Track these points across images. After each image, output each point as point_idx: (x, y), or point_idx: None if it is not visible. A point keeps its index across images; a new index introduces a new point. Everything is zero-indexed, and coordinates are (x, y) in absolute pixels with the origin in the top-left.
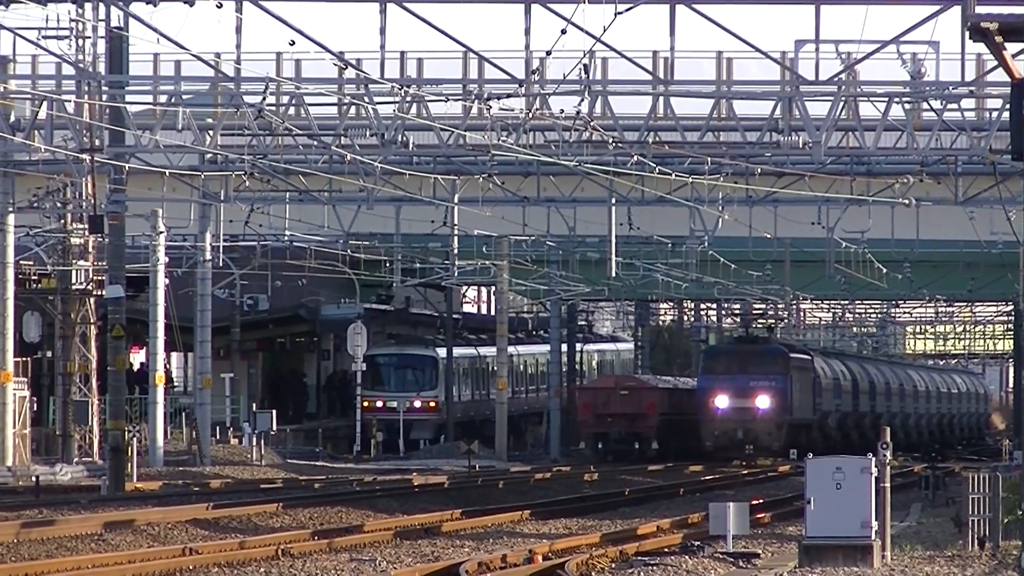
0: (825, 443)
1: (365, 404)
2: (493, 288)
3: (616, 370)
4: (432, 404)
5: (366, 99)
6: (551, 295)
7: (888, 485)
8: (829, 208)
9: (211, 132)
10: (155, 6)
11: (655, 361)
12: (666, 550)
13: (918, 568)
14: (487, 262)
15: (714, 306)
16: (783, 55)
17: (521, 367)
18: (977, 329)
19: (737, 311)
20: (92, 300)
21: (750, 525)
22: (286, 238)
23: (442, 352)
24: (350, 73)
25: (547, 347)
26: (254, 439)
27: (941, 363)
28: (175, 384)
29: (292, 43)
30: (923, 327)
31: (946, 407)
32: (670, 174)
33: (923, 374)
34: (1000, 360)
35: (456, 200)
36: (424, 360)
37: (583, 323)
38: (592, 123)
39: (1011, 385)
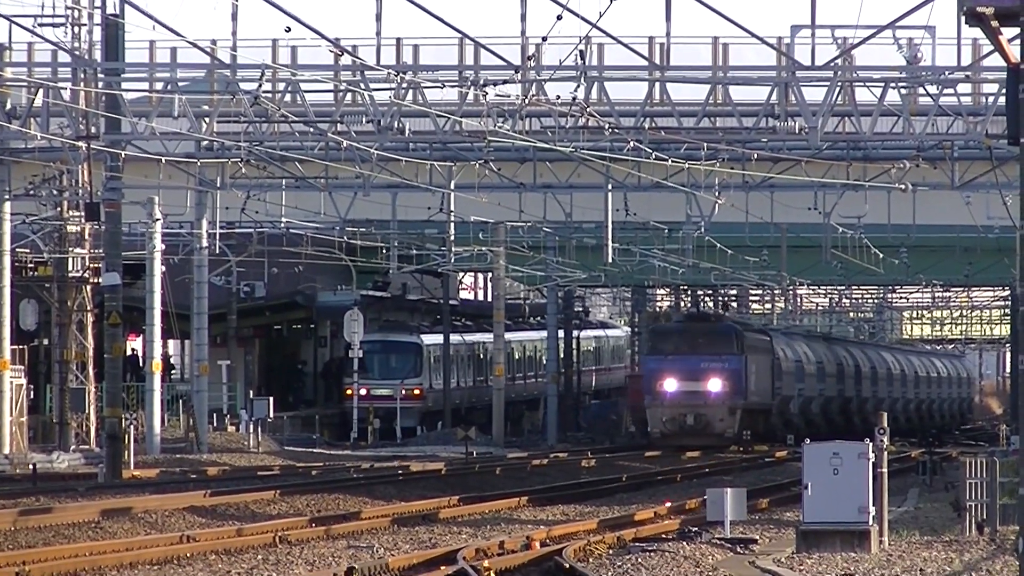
0: (786, 430)
1: (348, 392)
2: (490, 274)
3: (608, 356)
4: (416, 392)
5: (362, 86)
6: (548, 281)
7: (885, 470)
8: (825, 193)
9: (207, 119)
10: None
11: None
12: (664, 536)
13: (916, 553)
14: (483, 248)
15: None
16: (779, 40)
17: (516, 353)
18: (974, 314)
19: (734, 296)
20: (89, 288)
21: (748, 511)
22: (282, 225)
23: (427, 339)
24: (346, 60)
25: (542, 333)
26: (251, 426)
27: (930, 347)
28: (173, 369)
29: (288, 30)
30: (920, 312)
31: (925, 392)
32: (666, 160)
33: (900, 357)
34: (997, 345)
35: (452, 186)
36: (408, 347)
37: (579, 309)
38: (588, 109)
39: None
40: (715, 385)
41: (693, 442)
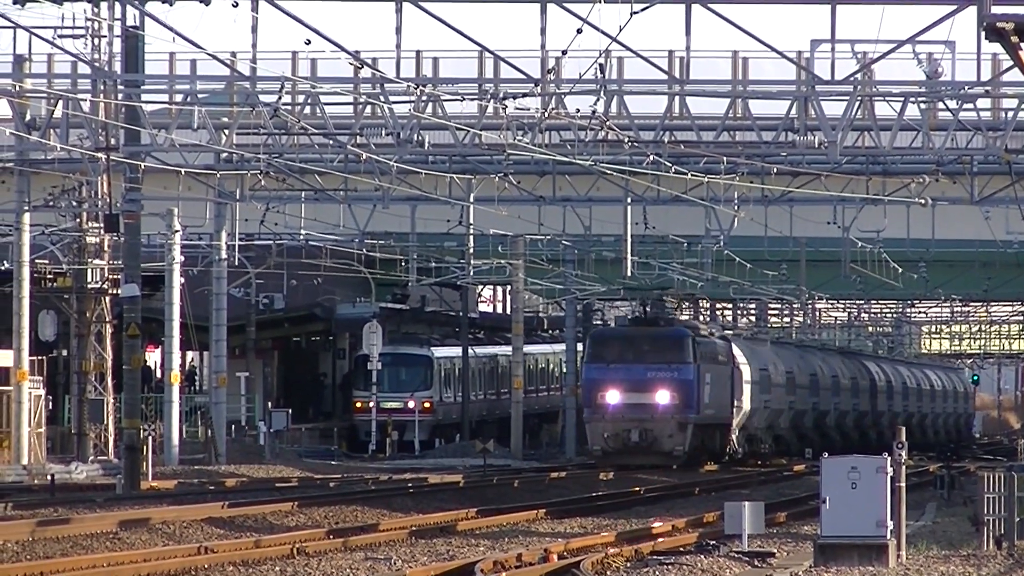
0: (749, 447)
1: (358, 405)
2: (508, 287)
3: None
4: (426, 405)
5: (382, 98)
6: (567, 294)
7: (903, 484)
8: (844, 208)
9: (227, 131)
10: (171, 5)
11: None
12: (681, 549)
13: (933, 568)
14: (503, 261)
15: (730, 305)
16: (799, 55)
17: (534, 366)
18: (993, 329)
19: (753, 311)
20: (107, 299)
21: (765, 524)
22: (302, 237)
23: (438, 352)
24: (366, 72)
25: (558, 346)
26: (269, 438)
27: (927, 359)
28: (196, 378)
29: (308, 42)
30: (938, 327)
31: (915, 405)
32: (686, 173)
33: (886, 367)
34: (1016, 360)
35: (472, 199)
36: (418, 360)
37: (599, 322)
38: (608, 122)
39: None
40: (663, 397)
41: (638, 461)
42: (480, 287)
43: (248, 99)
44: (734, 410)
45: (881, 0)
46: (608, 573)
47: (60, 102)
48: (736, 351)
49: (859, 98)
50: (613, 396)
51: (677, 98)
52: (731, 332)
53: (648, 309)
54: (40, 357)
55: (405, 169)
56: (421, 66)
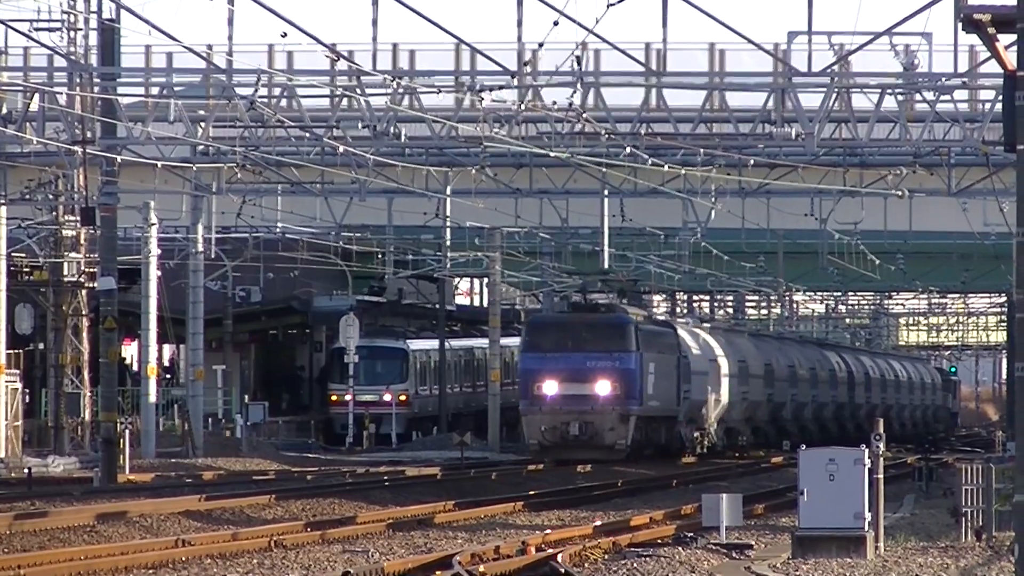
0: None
1: (333, 398)
2: (485, 280)
3: None
4: (402, 398)
5: (358, 91)
6: (543, 287)
7: (881, 476)
8: (822, 199)
9: (203, 124)
10: None
11: None
12: (659, 541)
13: (912, 559)
14: (480, 254)
15: (707, 298)
16: (776, 46)
17: (511, 359)
18: (970, 320)
19: (731, 303)
20: (84, 292)
21: (743, 516)
22: (278, 230)
23: (414, 344)
24: (342, 65)
25: None
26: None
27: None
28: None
29: (284, 35)
30: (916, 319)
31: (879, 397)
32: (663, 166)
33: (848, 357)
34: (993, 352)
35: (448, 192)
36: (393, 353)
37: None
38: (584, 115)
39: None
40: (603, 388)
41: (577, 456)
42: (457, 280)
43: (224, 92)
44: (682, 401)
45: None
46: (586, 565)
47: (36, 95)
48: (683, 339)
49: (836, 90)
50: (550, 387)
51: (654, 90)
52: (708, 324)
53: (587, 294)
54: (17, 350)
55: (382, 162)
56: (397, 58)
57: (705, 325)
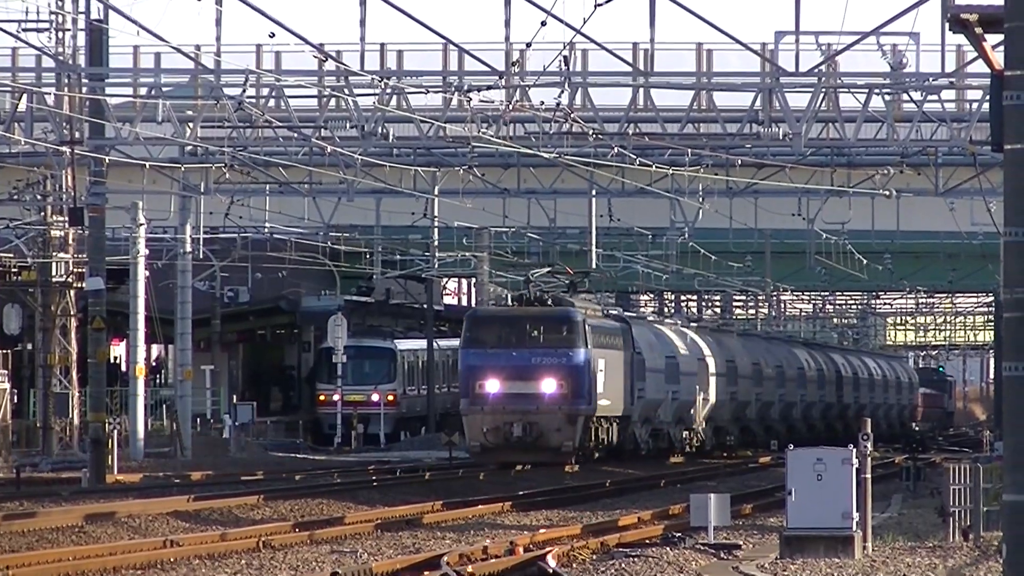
0: (654, 443)
1: (321, 398)
2: (473, 280)
3: None
4: (390, 398)
5: (346, 91)
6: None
7: (869, 476)
8: (809, 199)
9: (191, 124)
10: None
11: None
12: (647, 541)
13: (900, 559)
14: (467, 254)
15: (695, 298)
16: (763, 46)
17: None
18: (958, 320)
19: (718, 303)
20: (72, 292)
21: (731, 516)
22: (266, 230)
23: (402, 344)
24: (330, 65)
25: None
26: (235, 431)
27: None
28: (158, 373)
29: (272, 35)
30: (904, 318)
31: (851, 396)
32: (650, 166)
33: (818, 355)
34: (980, 351)
35: (436, 192)
36: (381, 352)
37: None
38: (572, 115)
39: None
40: (549, 386)
41: (522, 458)
42: (445, 280)
43: (212, 92)
44: (635, 400)
45: None
46: (574, 565)
47: (24, 95)
48: (637, 335)
49: (823, 90)
50: (493, 385)
51: (641, 90)
52: (695, 324)
53: (532, 286)
54: (5, 351)
55: (369, 162)
56: (385, 59)
57: (692, 324)
